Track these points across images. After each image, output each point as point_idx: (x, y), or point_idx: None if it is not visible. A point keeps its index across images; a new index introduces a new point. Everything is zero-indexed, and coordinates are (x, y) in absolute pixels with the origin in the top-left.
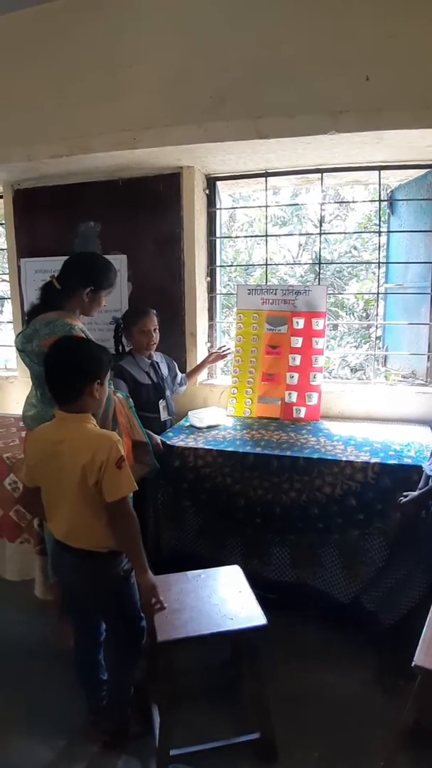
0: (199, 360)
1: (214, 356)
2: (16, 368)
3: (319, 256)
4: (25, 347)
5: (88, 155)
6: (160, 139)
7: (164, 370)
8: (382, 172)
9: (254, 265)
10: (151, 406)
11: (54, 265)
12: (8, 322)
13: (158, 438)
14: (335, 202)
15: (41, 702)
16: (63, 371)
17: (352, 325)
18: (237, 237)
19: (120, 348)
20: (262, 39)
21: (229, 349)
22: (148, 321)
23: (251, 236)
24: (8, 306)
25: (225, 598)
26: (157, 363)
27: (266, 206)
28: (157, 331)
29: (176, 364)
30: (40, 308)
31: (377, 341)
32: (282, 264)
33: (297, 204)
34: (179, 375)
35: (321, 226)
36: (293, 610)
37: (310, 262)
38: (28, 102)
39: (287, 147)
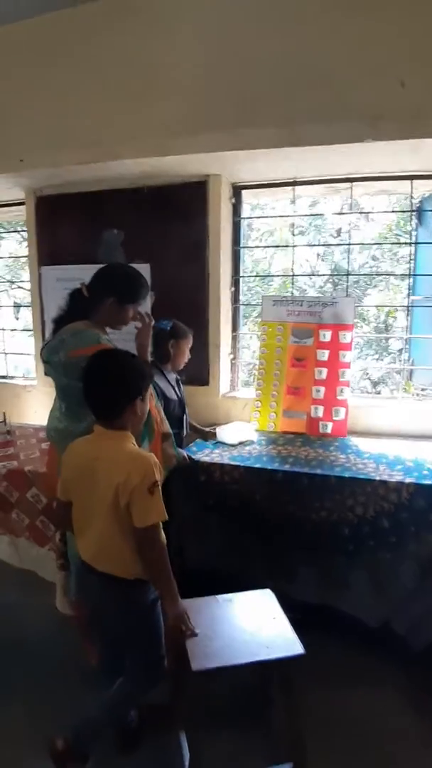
0: (222, 374)
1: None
2: (35, 377)
3: (348, 266)
4: (50, 358)
5: (114, 162)
6: (190, 146)
7: (181, 388)
8: (411, 181)
9: (279, 276)
10: (176, 422)
11: (75, 273)
12: (24, 329)
13: (185, 452)
14: (362, 213)
15: (53, 721)
16: (104, 388)
17: (372, 338)
18: (265, 247)
19: (160, 355)
20: (293, 44)
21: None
22: (189, 342)
23: (276, 246)
24: (24, 313)
25: (259, 625)
26: (179, 379)
27: (293, 216)
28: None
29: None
30: (66, 316)
31: (400, 354)
32: (308, 275)
33: (321, 214)
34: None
35: (349, 236)
36: (319, 632)
37: (336, 273)
38: (53, 107)
39: (320, 155)
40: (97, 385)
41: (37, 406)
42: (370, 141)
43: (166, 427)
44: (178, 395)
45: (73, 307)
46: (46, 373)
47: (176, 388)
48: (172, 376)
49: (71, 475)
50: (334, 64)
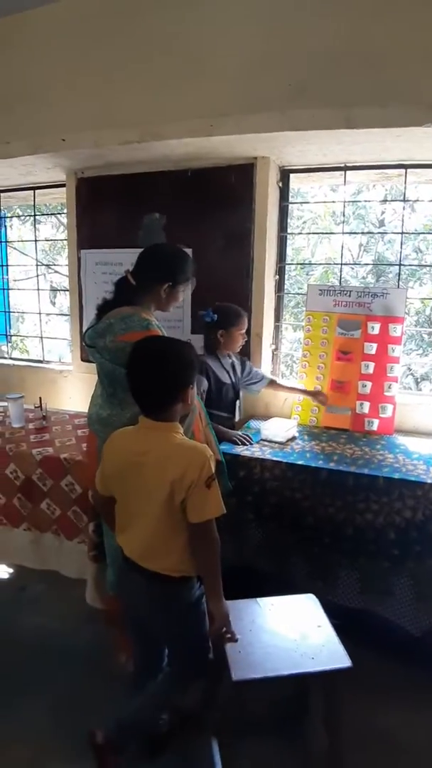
0: (263, 364)
1: (314, 394)
2: (71, 362)
3: (399, 257)
4: (96, 342)
5: (159, 142)
6: (239, 127)
7: (239, 371)
8: None
9: (322, 264)
10: (229, 406)
11: (116, 257)
12: (59, 314)
13: (238, 434)
14: (415, 201)
15: (78, 718)
16: (153, 379)
17: (416, 332)
18: (310, 234)
19: (210, 343)
20: (347, 27)
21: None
22: (245, 322)
23: (321, 233)
24: (60, 298)
25: (304, 633)
26: (235, 363)
27: (340, 202)
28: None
29: (248, 360)
30: (112, 304)
31: None
32: (356, 264)
33: (369, 201)
34: (255, 371)
35: (402, 224)
36: (359, 639)
37: (385, 263)
38: (97, 86)
39: (374, 139)
40: (144, 377)
41: (72, 392)
42: (429, 126)
43: (215, 453)
44: (231, 379)
45: (119, 295)
46: (84, 359)
47: (231, 372)
48: (227, 360)
49: (114, 470)
50: (389, 46)
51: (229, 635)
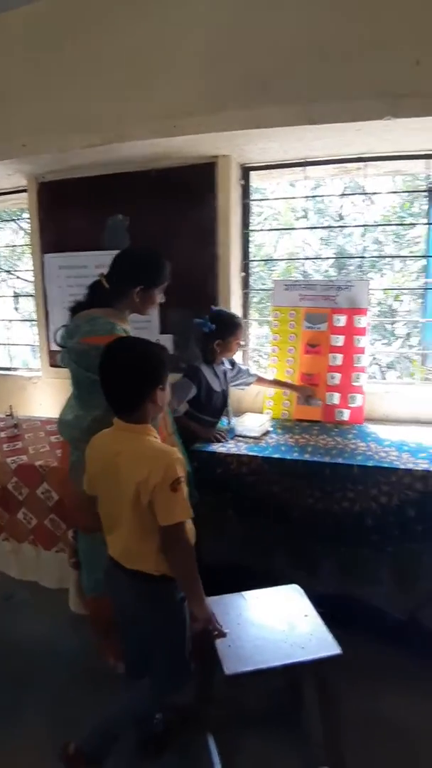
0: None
1: (300, 389)
2: (39, 368)
3: (362, 249)
4: (66, 343)
5: (122, 144)
6: (202, 126)
7: (229, 374)
8: (423, 161)
9: (292, 259)
10: (216, 412)
11: (80, 260)
12: (24, 320)
13: (214, 430)
14: (372, 194)
15: (75, 726)
16: (121, 378)
17: (381, 322)
18: (272, 230)
19: (207, 355)
20: (305, 20)
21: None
22: (242, 330)
23: (284, 229)
24: (23, 303)
25: (292, 624)
26: (226, 370)
27: (300, 197)
28: None
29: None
30: (84, 306)
31: (407, 338)
32: (321, 258)
33: (330, 195)
34: (243, 369)
35: (363, 217)
36: (344, 626)
37: (347, 256)
38: (58, 91)
39: (335, 133)
40: (113, 377)
41: (42, 399)
42: (390, 118)
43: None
44: (222, 386)
45: (92, 298)
46: (53, 365)
47: (221, 380)
48: (221, 368)
49: (96, 471)
50: (348, 42)
51: (216, 632)
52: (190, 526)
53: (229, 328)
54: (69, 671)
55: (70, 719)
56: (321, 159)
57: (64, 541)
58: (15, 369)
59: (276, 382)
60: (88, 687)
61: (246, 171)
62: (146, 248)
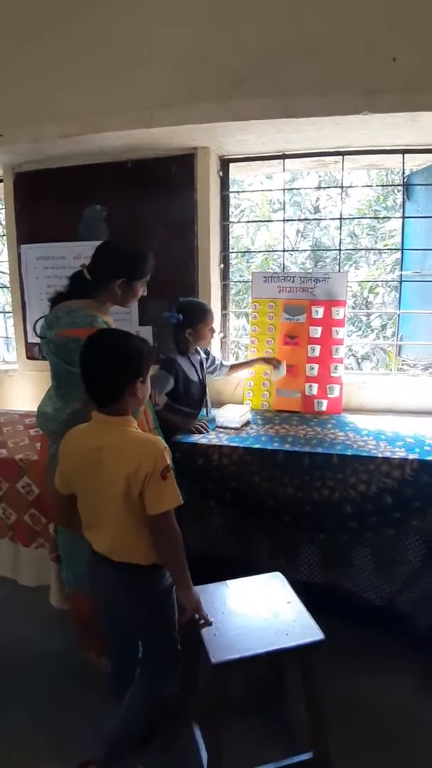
0: (214, 352)
1: (267, 360)
2: (15, 361)
3: (339, 241)
4: (46, 334)
5: (99, 135)
6: (179, 118)
7: (205, 364)
8: (398, 155)
9: (270, 251)
10: (194, 403)
11: (58, 251)
12: (2, 312)
13: (194, 422)
14: (349, 187)
15: (60, 723)
16: (102, 369)
17: (356, 313)
18: (251, 222)
19: (178, 344)
20: (285, 15)
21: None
22: (212, 318)
23: (263, 221)
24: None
25: (275, 611)
26: (202, 359)
27: (279, 190)
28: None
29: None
30: (64, 297)
31: (382, 330)
32: (301, 250)
33: (308, 188)
34: (214, 358)
35: (341, 211)
36: (324, 613)
37: (326, 248)
38: (35, 79)
39: (314, 127)
40: (93, 369)
41: (19, 392)
42: (367, 113)
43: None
44: (199, 376)
45: (73, 289)
46: (30, 357)
47: (198, 370)
48: (197, 358)
49: (72, 468)
50: (327, 35)
51: (202, 621)
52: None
53: (197, 316)
54: (51, 669)
55: (54, 717)
56: (299, 152)
57: (45, 535)
58: None
59: (243, 364)
60: (71, 684)
61: (225, 163)
62: (130, 241)
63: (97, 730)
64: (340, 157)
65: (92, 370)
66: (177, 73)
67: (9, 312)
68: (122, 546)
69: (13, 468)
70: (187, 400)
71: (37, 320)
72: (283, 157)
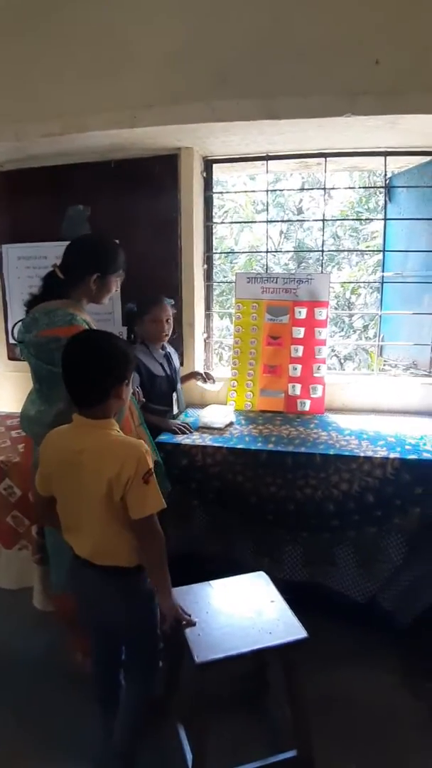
0: (196, 354)
1: (193, 375)
2: None
3: (322, 242)
4: (24, 337)
5: (82, 134)
6: (162, 118)
7: (176, 362)
8: (380, 158)
9: (253, 252)
10: (164, 399)
11: (40, 251)
12: None
13: (177, 423)
14: (332, 189)
15: (46, 725)
16: (86, 372)
17: (339, 315)
18: (235, 223)
19: (132, 337)
20: (269, 17)
21: (213, 380)
22: (160, 310)
23: (246, 222)
24: None
25: (259, 610)
26: (170, 354)
27: (267, 191)
28: (170, 321)
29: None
30: (40, 299)
31: (365, 331)
32: (287, 251)
33: (292, 189)
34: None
35: (324, 212)
36: (307, 611)
37: (309, 249)
38: (17, 78)
39: (297, 129)
40: (77, 371)
41: (2, 393)
42: (350, 115)
43: (154, 454)
44: (166, 371)
45: (48, 291)
46: (12, 358)
47: (165, 365)
48: (160, 353)
49: (52, 470)
50: (311, 37)
51: (185, 622)
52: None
53: (143, 307)
54: (33, 670)
55: (37, 718)
56: (283, 153)
57: (28, 537)
58: None
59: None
60: (53, 686)
61: (208, 163)
62: (101, 235)
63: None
64: (323, 159)
65: (77, 372)
66: (161, 74)
67: None
68: (104, 549)
69: None
70: (154, 396)
71: (15, 324)
72: (267, 158)
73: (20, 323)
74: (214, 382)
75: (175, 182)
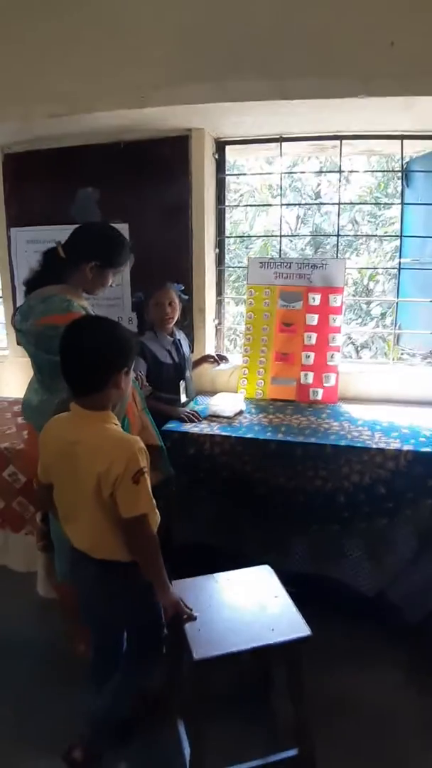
0: (207, 340)
1: (205, 358)
2: (7, 347)
3: (338, 227)
4: (22, 326)
5: (90, 115)
6: (171, 98)
7: (186, 350)
8: (396, 141)
9: (268, 236)
10: (172, 387)
11: (49, 235)
12: None
13: (186, 411)
14: (350, 172)
15: (47, 711)
16: (84, 359)
17: (355, 302)
18: (248, 206)
19: (142, 325)
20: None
21: (226, 360)
22: (163, 294)
23: (260, 205)
24: None
25: (262, 605)
26: (179, 341)
27: (277, 173)
28: (174, 305)
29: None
30: (39, 278)
31: (382, 318)
32: (291, 236)
33: (305, 172)
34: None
35: (339, 196)
36: (315, 605)
37: (324, 234)
38: (24, 57)
39: (310, 110)
40: (74, 357)
41: (9, 378)
42: (364, 96)
43: (152, 438)
44: (174, 359)
45: (46, 269)
46: (20, 343)
47: (173, 352)
48: (168, 339)
49: (50, 460)
50: (325, 17)
51: (185, 616)
52: (155, 516)
53: (147, 293)
54: (36, 658)
55: (36, 707)
56: (296, 135)
57: (32, 523)
58: None
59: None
60: (55, 674)
61: (221, 145)
62: (111, 227)
63: (80, 718)
64: (338, 141)
65: (76, 358)
66: (169, 54)
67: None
68: (100, 543)
69: None
70: (161, 383)
71: (14, 312)
72: (281, 140)
73: (18, 311)
74: (227, 361)
75: (186, 164)
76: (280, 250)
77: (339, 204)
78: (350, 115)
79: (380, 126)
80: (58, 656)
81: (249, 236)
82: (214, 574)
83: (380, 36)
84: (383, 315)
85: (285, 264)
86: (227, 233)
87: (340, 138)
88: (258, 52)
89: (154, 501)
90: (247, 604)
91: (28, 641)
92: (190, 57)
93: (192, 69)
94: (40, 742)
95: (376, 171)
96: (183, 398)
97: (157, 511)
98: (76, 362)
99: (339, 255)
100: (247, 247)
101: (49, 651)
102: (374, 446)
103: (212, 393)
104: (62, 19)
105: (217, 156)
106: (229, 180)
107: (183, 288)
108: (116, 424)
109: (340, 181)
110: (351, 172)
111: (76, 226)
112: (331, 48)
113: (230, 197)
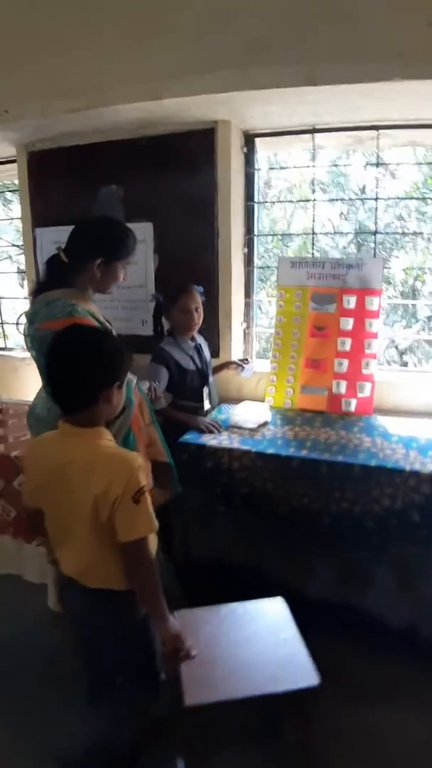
0: (233, 345)
1: (226, 364)
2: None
3: (375, 224)
4: (27, 330)
5: (109, 108)
6: (191, 87)
7: (207, 354)
8: None
9: (307, 234)
10: (195, 394)
11: None
12: (26, 297)
13: (206, 420)
14: (390, 164)
15: (43, 727)
16: (71, 372)
17: (399, 303)
18: (281, 202)
19: (159, 329)
20: None
21: (248, 361)
22: (189, 299)
23: (295, 201)
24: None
25: (267, 647)
26: (200, 346)
27: (314, 167)
28: (200, 310)
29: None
30: (45, 287)
31: (430, 321)
32: (329, 233)
33: (346, 165)
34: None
35: (376, 191)
36: (337, 634)
37: (362, 231)
38: (41, 51)
39: (340, 97)
40: (63, 368)
41: (36, 381)
42: (398, 80)
43: (161, 454)
44: (197, 365)
45: (51, 277)
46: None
47: (195, 358)
48: (189, 345)
49: (39, 482)
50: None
51: (183, 653)
52: (151, 537)
53: (168, 294)
54: (45, 670)
55: (43, 720)
56: (330, 126)
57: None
58: (9, 349)
59: (216, 368)
60: (63, 688)
61: (250, 138)
62: (109, 218)
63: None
64: (375, 132)
65: (62, 370)
66: (189, 42)
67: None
68: (93, 570)
69: (9, 465)
70: (185, 392)
71: (19, 317)
72: (313, 131)
73: (24, 316)
74: (249, 362)
75: (212, 158)
76: (312, 248)
77: (376, 199)
78: (386, 102)
79: (421, 113)
80: (63, 671)
81: (281, 234)
82: (219, 606)
83: (417, 15)
84: (430, 318)
85: (318, 264)
86: (260, 231)
87: (377, 128)
88: (282, 37)
89: (156, 522)
90: (253, 644)
91: (33, 653)
92: (209, 44)
93: (211, 57)
94: (39, 756)
95: (418, 163)
96: (207, 405)
97: (155, 534)
98: (65, 374)
99: (383, 253)
100: (286, 245)
101: (53, 666)
102: (408, 468)
103: (238, 401)
104: (78, 11)
105: (245, 149)
106: (270, 175)
107: (203, 290)
108: (110, 440)
109: (376, 176)
110: (390, 165)
111: (75, 224)
112: (362, 28)
113: (269, 193)
